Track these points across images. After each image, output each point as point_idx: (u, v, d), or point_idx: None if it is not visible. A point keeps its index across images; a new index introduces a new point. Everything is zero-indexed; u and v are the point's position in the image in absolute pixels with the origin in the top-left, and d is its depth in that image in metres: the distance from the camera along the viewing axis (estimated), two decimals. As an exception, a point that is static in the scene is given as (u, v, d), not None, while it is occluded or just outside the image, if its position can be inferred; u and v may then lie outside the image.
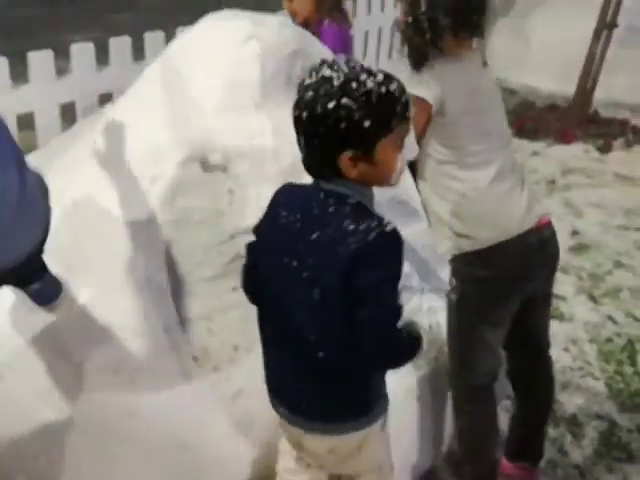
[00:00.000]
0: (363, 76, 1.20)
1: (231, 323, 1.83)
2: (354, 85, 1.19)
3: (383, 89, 1.21)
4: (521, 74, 7.34)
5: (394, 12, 5.42)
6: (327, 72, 1.21)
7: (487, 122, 1.81)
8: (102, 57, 3.14)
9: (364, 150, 1.22)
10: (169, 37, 2.94)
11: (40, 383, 1.75)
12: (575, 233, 3.93)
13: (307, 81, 1.22)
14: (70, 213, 1.93)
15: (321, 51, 2.28)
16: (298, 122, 1.24)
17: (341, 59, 1.24)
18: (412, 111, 1.28)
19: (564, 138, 5.47)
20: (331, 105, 1.18)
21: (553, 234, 1.87)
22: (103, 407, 1.75)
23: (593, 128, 5.64)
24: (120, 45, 3.14)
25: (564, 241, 3.80)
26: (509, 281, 1.81)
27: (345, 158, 1.22)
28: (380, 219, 1.23)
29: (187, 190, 1.91)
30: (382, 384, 1.43)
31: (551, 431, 2.33)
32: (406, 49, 1.78)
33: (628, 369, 2.74)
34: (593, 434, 2.36)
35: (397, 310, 1.24)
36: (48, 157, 2.29)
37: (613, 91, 6.36)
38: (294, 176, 1.98)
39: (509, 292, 1.82)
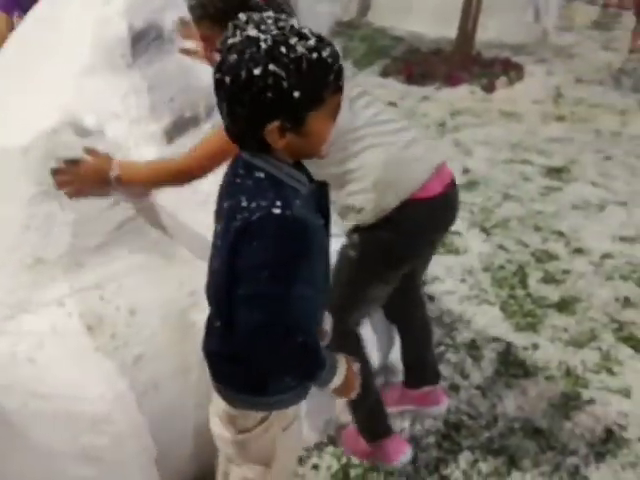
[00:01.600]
0: (293, 39, 1.06)
1: (125, 289, 1.78)
2: (283, 49, 1.05)
3: (314, 55, 1.07)
4: (405, 21, 7.45)
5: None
6: (253, 32, 1.07)
7: None
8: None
9: (293, 121, 1.11)
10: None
11: None
12: (465, 171, 4.09)
13: (230, 40, 1.08)
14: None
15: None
16: (220, 87, 1.11)
17: (270, 17, 1.10)
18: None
19: (451, 81, 5.63)
20: (257, 71, 1.05)
21: (457, 194, 1.84)
22: (5, 393, 1.68)
23: (477, 69, 5.84)
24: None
25: (456, 180, 3.95)
26: (413, 246, 1.81)
27: (272, 129, 1.11)
28: (275, 200, 1.11)
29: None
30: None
31: (452, 356, 2.46)
32: None
33: (520, 292, 2.90)
34: (491, 355, 2.50)
35: (268, 298, 1.14)
36: None
37: (494, 32, 6.59)
38: (177, 135, 1.98)
39: (410, 256, 1.83)
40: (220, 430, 1.43)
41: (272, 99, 1.07)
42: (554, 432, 2.16)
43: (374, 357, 2.26)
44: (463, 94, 5.43)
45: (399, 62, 6.13)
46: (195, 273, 1.85)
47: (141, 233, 1.86)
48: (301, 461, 2.00)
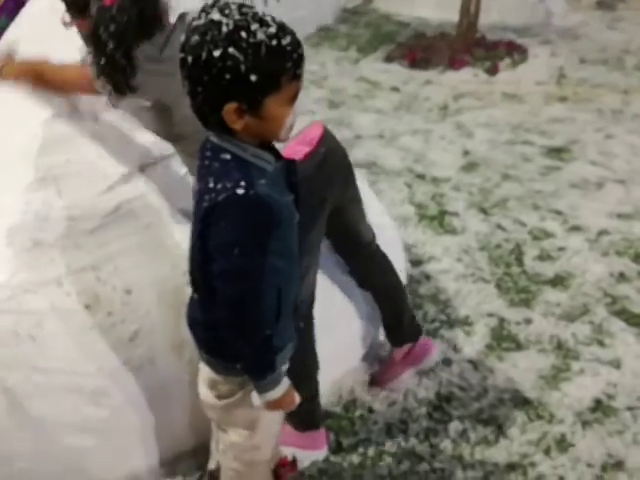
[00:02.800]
0: (254, 26, 1.12)
1: (120, 269, 1.87)
2: (243, 34, 1.11)
3: (274, 42, 1.13)
4: (410, 7, 7.45)
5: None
6: (216, 16, 1.13)
7: None
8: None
9: (249, 104, 1.16)
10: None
11: None
12: (466, 153, 4.12)
13: (195, 23, 1.15)
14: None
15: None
16: (182, 66, 1.17)
17: (234, 3, 1.15)
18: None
19: (454, 65, 5.64)
20: (217, 53, 1.11)
21: (327, 151, 1.79)
22: (8, 368, 1.77)
23: (481, 52, 5.83)
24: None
25: (456, 162, 4.00)
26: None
27: (228, 110, 1.16)
28: (239, 180, 1.18)
29: (61, 144, 1.92)
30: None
31: (445, 333, 2.52)
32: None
33: (516, 270, 2.95)
34: (484, 330, 2.55)
35: (241, 273, 1.22)
36: None
37: (497, 14, 6.58)
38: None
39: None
40: (206, 396, 1.51)
41: (230, 81, 1.12)
42: (543, 402, 2.22)
43: (358, 344, 2.35)
44: (466, 77, 5.44)
45: (403, 47, 6.14)
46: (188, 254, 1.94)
47: (136, 216, 1.94)
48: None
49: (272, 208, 1.20)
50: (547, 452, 2.04)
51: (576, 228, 3.27)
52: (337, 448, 2.04)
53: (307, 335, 1.91)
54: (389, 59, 5.94)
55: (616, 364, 2.39)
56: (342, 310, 2.27)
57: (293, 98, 1.20)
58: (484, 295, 2.76)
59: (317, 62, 5.75)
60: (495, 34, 6.23)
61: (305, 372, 1.91)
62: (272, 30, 1.13)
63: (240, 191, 1.17)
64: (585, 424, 2.14)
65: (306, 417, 1.98)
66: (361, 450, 2.04)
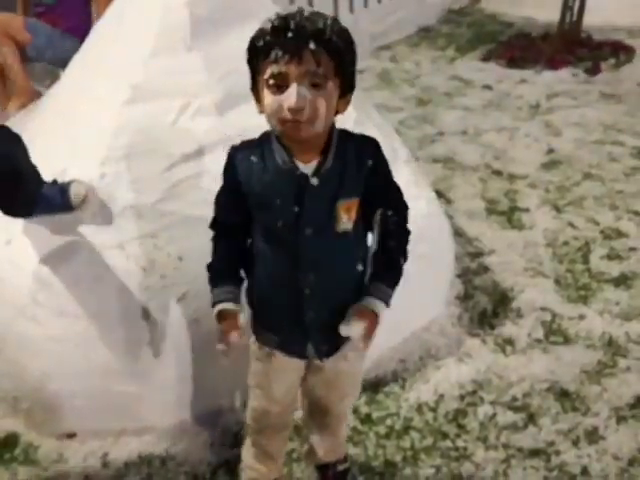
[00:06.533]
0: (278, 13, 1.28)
1: (176, 238, 2.08)
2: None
3: (264, 24, 1.28)
4: (518, 7, 7.32)
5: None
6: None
7: None
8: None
9: (253, 81, 1.35)
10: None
11: None
12: (550, 151, 4.05)
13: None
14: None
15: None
16: None
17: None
18: None
19: (553, 64, 5.51)
20: None
21: None
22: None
23: (583, 52, 5.66)
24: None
25: (537, 160, 3.95)
26: None
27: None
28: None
29: (132, 127, 2.16)
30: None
31: (493, 323, 2.55)
32: None
33: (580, 267, 2.90)
34: (534, 323, 2.54)
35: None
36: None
37: (605, 14, 6.35)
38: (227, 108, 2.25)
39: None
40: None
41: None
42: (581, 395, 2.20)
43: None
44: (564, 77, 5.30)
45: (503, 46, 6.06)
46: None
47: (192, 191, 2.15)
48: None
49: (230, 164, 1.42)
50: (575, 443, 2.04)
51: (653, 230, 3.16)
52: (366, 418, 2.15)
53: None
54: (486, 58, 5.89)
55: (668, 365, 2.33)
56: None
57: (273, 84, 1.25)
58: (540, 289, 2.75)
59: (412, 61, 5.82)
60: (603, 34, 6.02)
61: None
62: (275, 15, 1.24)
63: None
64: (621, 419, 2.11)
65: None
66: (389, 423, 2.13)
